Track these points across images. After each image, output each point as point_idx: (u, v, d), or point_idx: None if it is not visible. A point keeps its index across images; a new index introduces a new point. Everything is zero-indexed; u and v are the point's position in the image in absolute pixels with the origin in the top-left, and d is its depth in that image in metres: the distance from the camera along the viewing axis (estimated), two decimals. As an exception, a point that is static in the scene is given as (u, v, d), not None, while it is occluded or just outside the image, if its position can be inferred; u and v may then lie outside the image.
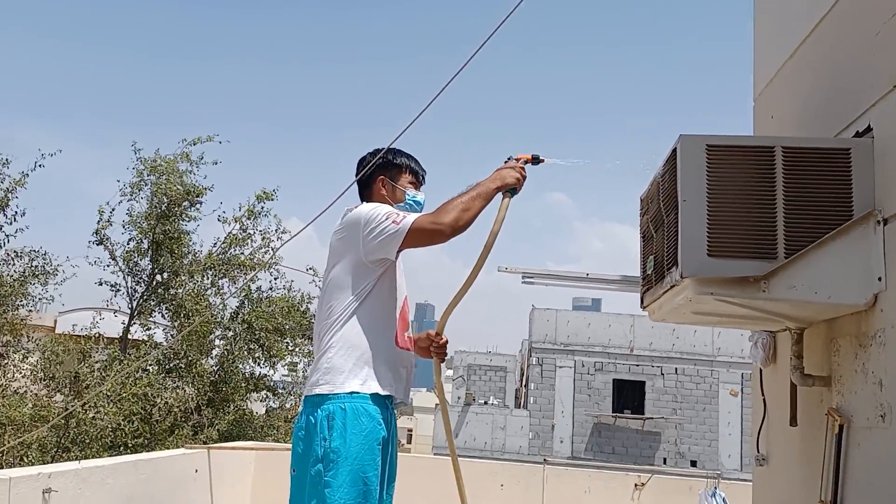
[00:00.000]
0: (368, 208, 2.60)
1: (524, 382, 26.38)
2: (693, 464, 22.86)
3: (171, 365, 12.67)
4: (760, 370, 3.04)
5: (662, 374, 23.92)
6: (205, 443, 9.72)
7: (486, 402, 26.30)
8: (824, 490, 2.33)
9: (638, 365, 24.07)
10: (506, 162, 2.77)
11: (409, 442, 49.36)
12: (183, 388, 12.51)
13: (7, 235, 11.25)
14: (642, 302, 2.78)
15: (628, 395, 24.02)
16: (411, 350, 2.73)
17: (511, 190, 2.68)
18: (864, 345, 2.21)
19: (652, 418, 23.47)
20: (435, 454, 18.47)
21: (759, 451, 3.03)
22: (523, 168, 2.74)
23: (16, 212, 11.22)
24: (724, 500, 5.80)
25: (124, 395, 10.98)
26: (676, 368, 23.90)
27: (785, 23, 3.14)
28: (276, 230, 13.54)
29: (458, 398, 26.58)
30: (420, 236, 2.53)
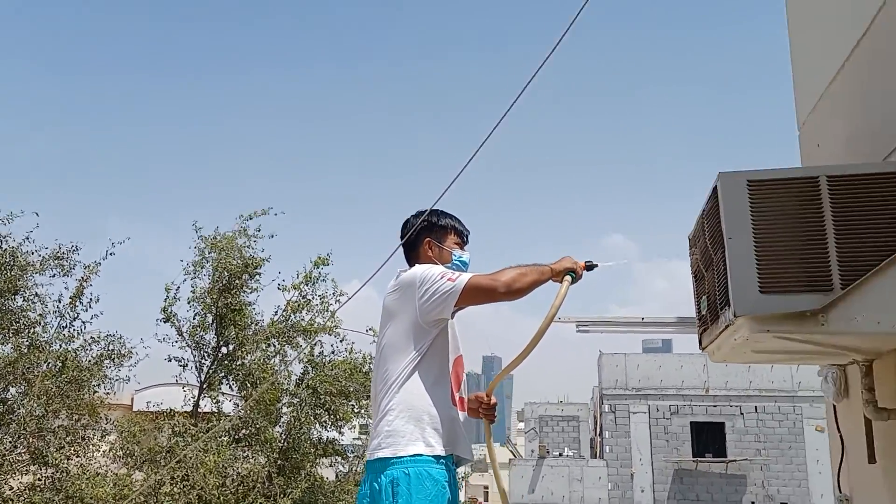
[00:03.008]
0: (422, 269, 2.63)
1: (598, 431, 25.74)
2: (784, 506, 21.83)
3: (241, 434, 12.83)
4: (834, 406, 2.91)
5: (742, 414, 23.09)
6: (278, 512, 9.72)
7: (560, 454, 25.72)
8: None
9: (715, 405, 23.32)
10: None
11: (486, 499, 48.43)
12: (254, 458, 12.62)
13: (83, 322, 11.59)
14: (700, 343, 2.72)
15: (708, 438, 23.24)
16: (463, 410, 2.72)
17: (571, 274, 2.72)
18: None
19: (735, 461, 22.58)
20: (511, 511, 18.04)
21: (840, 492, 2.89)
22: (583, 267, 2.79)
23: (90, 298, 11.57)
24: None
25: (200, 468, 11.13)
26: (756, 407, 23.07)
27: (823, 45, 3.09)
28: (333, 293, 13.74)
29: (532, 451, 26.06)
30: (476, 293, 2.55)
